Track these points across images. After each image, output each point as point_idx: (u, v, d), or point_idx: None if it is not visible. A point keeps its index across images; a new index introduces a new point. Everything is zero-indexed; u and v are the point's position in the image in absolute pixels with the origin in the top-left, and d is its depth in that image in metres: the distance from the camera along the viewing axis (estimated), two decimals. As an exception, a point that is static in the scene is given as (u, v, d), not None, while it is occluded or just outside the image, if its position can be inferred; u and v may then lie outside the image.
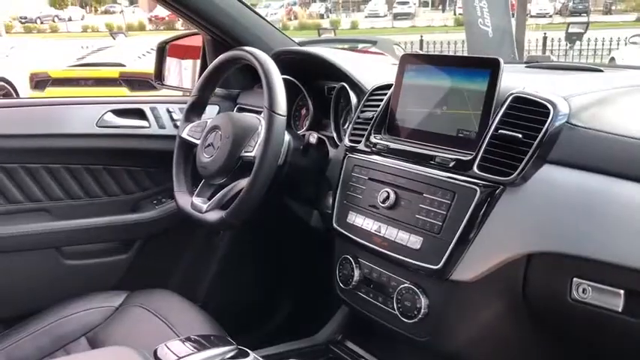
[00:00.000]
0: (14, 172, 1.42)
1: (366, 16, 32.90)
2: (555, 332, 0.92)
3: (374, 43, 7.69)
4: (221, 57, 1.30)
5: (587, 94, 0.96)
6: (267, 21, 1.58)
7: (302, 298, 1.49)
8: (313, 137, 1.25)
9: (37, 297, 1.39)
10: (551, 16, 28.18)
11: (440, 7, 36.48)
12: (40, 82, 6.48)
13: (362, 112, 1.18)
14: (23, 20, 30.97)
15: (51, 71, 6.52)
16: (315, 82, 1.43)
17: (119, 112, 1.53)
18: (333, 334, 1.21)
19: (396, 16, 31.30)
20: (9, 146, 1.41)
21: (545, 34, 11.26)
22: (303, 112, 1.50)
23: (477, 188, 0.91)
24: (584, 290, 0.83)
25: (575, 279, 0.84)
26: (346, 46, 8.45)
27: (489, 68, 0.95)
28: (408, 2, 33.78)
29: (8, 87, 7.71)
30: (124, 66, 6.14)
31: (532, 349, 0.97)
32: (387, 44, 7.79)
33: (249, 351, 0.97)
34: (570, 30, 10.83)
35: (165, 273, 1.59)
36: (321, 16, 33.16)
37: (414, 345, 0.99)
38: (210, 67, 1.32)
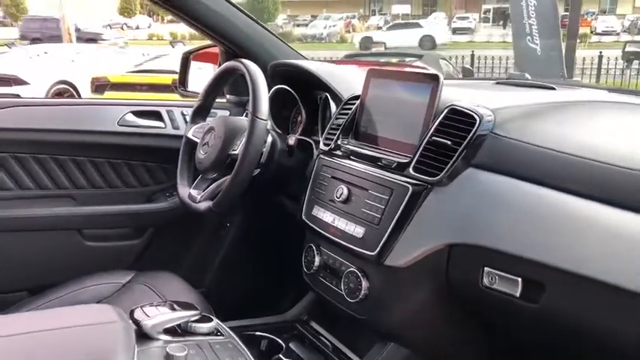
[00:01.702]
0: (45, 161, 1.64)
1: (424, 30, 32.89)
2: (474, 315, 1.04)
3: (420, 57, 7.80)
4: (221, 67, 1.48)
5: (514, 107, 1.08)
6: (273, 34, 1.75)
7: (284, 283, 1.62)
8: (292, 140, 1.41)
9: (59, 271, 1.58)
10: (618, 34, 27.37)
11: (501, 23, 36.03)
12: (99, 86, 6.92)
13: (336, 119, 1.33)
14: (94, 28, 32.56)
15: (110, 76, 6.96)
16: (309, 91, 1.58)
17: (138, 113, 1.74)
18: (300, 314, 1.35)
19: (454, 31, 31.13)
20: (42, 139, 1.63)
21: (600, 52, 11.02)
22: (299, 118, 1.66)
23: (410, 186, 1.04)
24: (492, 278, 0.95)
25: (485, 268, 0.96)
26: (394, 59, 8.60)
27: (431, 83, 1.09)
28: (468, 17, 33.57)
29: (72, 90, 8.24)
30: (177, 73, 6.47)
31: (457, 330, 1.08)
32: (433, 58, 7.89)
33: (212, 317, 1.13)
34: (628, 49, 10.57)
35: (172, 259, 1.77)
36: (380, 29, 33.31)
37: (357, 322, 1.13)
38: (213, 76, 1.50)
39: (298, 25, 34.82)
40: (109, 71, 7.27)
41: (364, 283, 1.09)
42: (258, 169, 1.41)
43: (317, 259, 1.23)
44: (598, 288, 0.81)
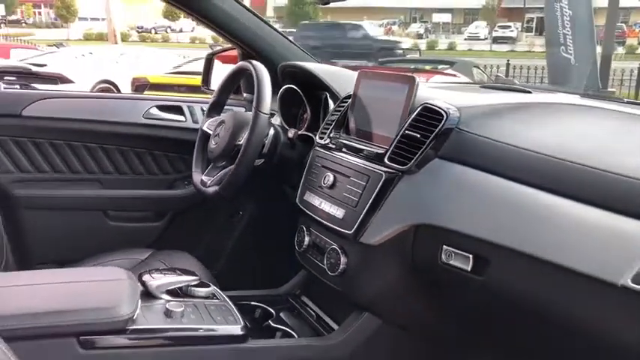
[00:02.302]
0: (77, 148, 1.83)
1: (465, 39, 32.71)
2: (436, 289, 1.17)
3: (451, 64, 7.87)
4: (234, 67, 1.64)
5: (479, 106, 1.21)
6: (286, 37, 1.91)
7: (284, 262, 1.75)
8: (291, 133, 1.57)
9: (85, 247, 1.76)
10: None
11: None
12: (139, 86, 7.23)
13: (331, 115, 1.48)
14: (139, 30, 33.47)
15: (150, 77, 7.26)
16: (314, 90, 1.73)
17: (162, 108, 1.92)
18: (293, 289, 1.50)
19: (495, 40, 30.86)
20: (75, 128, 1.82)
21: (640, 64, 10.86)
22: (305, 115, 1.81)
23: (383, 174, 1.18)
24: (449, 255, 1.08)
25: (444, 246, 1.09)
26: (427, 66, 8.69)
27: (408, 84, 1.23)
28: (510, 26, 33.21)
29: (113, 89, 8.61)
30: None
31: (422, 303, 1.21)
32: (466, 66, 7.96)
33: (210, 284, 1.29)
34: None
35: (189, 241, 1.92)
36: (420, 36, 33.26)
37: (338, 296, 1.27)
38: (226, 75, 1.67)
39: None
40: (149, 72, 7.57)
41: (342, 259, 1.24)
42: (262, 160, 1.57)
43: (307, 239, 1.37)
44: (535, 263, 0.93)
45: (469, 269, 1.04)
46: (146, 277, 1.20)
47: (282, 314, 1.38)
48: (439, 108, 1.16)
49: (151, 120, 1.89)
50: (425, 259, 1.13)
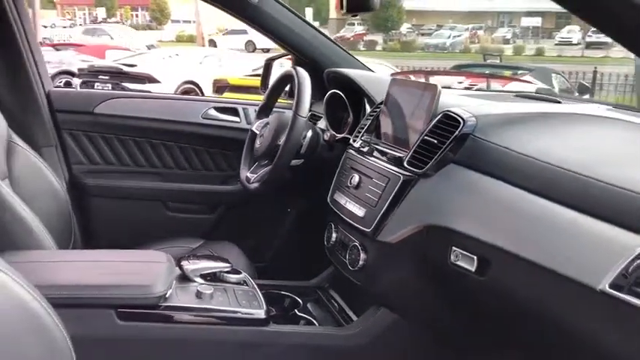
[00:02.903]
0: (142, 144, 2.02)
1: (556, 44, 31.46)
2: (447, 288, 1.23)
3: (530, 70, 7.67)
4: (281, 73, 1.76)
5: (496, 115, 1.25)
6: (336, 44, 2.01)
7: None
8: (327, 136, 1.66)
9: (145, 234, 1.92)
10: None
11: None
12: (220, 87, 7.54)
13: (365, 119, 1.56)
14: (226, 33, 34.59)
15: (230, 79, 7.55)
16: (357, 96, 1.82)
17: (219, 109, 2.07)
18: (322, 283, 1.59)
19: (589, 45, 29.45)
20: (141, 125, 2.00)
21: None
22: (349, 119, 1.89)
23: (401, 176, 1.25)
24: (457, 256, 1.13)
25: (453, 247, 1.14)
26: (506, 72, 8.50)
27: (431, 91, 1.29)
28: (605, 31, 31.54)
29: (196, 89, 9.02)
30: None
31: (434, 301, 1.27)
32: (545, 73, 7.73)
33: (241, 272, 1.41)
34: None
35: (238, 234, 2.05)
36: (507, 42, 32.31)
37: (361, 290, 1.35)
38: (274, 80, 1.79)
39: (422, 34, 34.66)
40: (229, 74, 7.89)
41: (362, 255, 1.32)
42: (302, 160, 1.68)
43: (334, 236, 1.46)
44: (529, 267, 0.98)
45: (473, 270, 1.09)
46: (184, 262, 1.33)
47: (308, 305, 1.48)
48: (457, 115, 1.22)
49: (208, 120, 2.05)
50: (436, 258, 1.18)
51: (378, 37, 31.24)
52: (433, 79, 7.07)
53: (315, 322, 1.39)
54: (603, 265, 0.85)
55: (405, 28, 34.42)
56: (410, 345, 1.31)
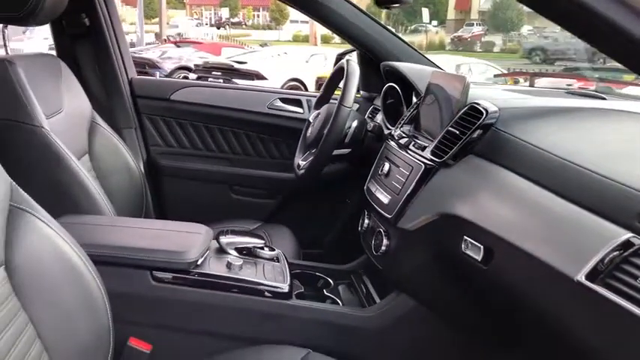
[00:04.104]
0: (212, 130, 2.17)
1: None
2: (458, 276, 1.23)
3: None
4: (336, 66, 1.83)
5: (520, 108, 1.23)
6: (398, 37, 2.04)
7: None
8: (369, 125, 1.71)
9: (210, 213, 2.05)
10: None
11: None
12: (321, 84, 7.71)
13: (408, 111, 1.59)
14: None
15: (331, 76, 7.70)
16: (412, 89, 1.84)
17: (284, 100, 2.18)
18: (357, 267, 1.64)
19: None
20: (212, 113, 2.16)
21: None
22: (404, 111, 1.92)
23: (423, 165, 1.28)
24: (467, 245, 1.14)
25: (464, 236, 1.15)
26: (627, 76, 7.92)
27: (460, 83, 1.30)
28: None
29: (301, 86, 9.28)
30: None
31: (450, 289, 1.28)
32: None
33: (275, 248, 1.50)
34: None
35: (295, 220, 2.14)
36: None
37: (378, 270, 1.40)
38: (330, 73, 1.87)
39: (545, 37, 33.04)
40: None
41: (385, 241, 1.36)
42: (349, 150, 1.74)
43: (366, 222, 1.51)
44: (529, 260, 0.98)
45: (479, 260, 1.10)
46: (221, 236, 1.45)
47: (339, 287, 1.54)
48: (480, 107, 1.22)
49: (274, 110, 2.16)
50: (449, 247, 1.20)
51: (497, 38, 30.21)
52: (539, 82, 6.78)
53: (340, 302, 1.45)
54: (585, 256, 0.84)
55: (525, 29, 33.00)
56: (427, 331, 1.33)
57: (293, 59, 10.19)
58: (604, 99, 1.40)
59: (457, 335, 1.32)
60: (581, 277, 0.83)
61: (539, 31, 34.89)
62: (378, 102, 2.11)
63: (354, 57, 2.20)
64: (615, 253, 0.80)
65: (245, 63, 9.49)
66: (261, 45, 15.24)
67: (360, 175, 1.88)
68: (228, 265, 1.35)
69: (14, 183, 1.06)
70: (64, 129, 1.59)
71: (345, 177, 2.16)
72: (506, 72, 8.21)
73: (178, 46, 11.64)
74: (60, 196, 1.46)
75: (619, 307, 0.76)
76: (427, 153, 1.30)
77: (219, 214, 1.99)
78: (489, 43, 29.31)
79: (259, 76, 8.87)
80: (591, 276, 0.82)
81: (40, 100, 1.52)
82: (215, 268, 1.34)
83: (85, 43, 2.03)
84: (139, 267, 1.28)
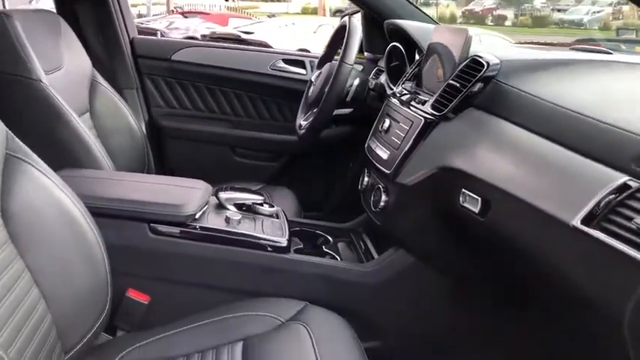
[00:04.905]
0: (214, 91, 2.16)
1: None
2: (456, 230, 1.23)
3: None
4: (337, 25, 1.80)
5: (522, 60, 1.21)
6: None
7: None
8: (372, 83, 1.69)
9: (212, 175, 2.01)
10: None
11: None
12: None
13: (410, 68, 1.57)
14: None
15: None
16: (416, 48, 1.81)
17: (287, 61, 2.16)
18: (357, 226, 1.64)
19: None
20: (213, 73, 2.14)
21: None
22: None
23: (422, 119, 1.26)
24: (465, 198, 1.13)
25: (462, 189, 1.14)
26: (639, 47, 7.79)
27: (462, 37, 1.28)
28: None
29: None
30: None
31: (445, 241, 1.27)
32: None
33: (274, 205, 1.49)
34: None
35: (297, 182, 2.13)
36: (654, 18, 29.37)
37: (377, 228, 1.39)
38: (332, 32, 1.84)
39: (559, 10, 32.48)
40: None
41: (384, 197, 1.35)
42: (350, 109, 1.72)
43: (366, 179, 1.50)
44: (525, 208, 0.97)
45: (477, 212, 1.09)
46: (220, 192, 1.44)
47: (338, 244, 1.54)
48: (483, 60, 1.20)
49: (276, 71, 2.14)
50: (447, 201, 1.19)
51: (509, 12, 29.74)
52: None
53: (338, 258, 1.45)
54: (581, 201, 0.83)
55: (539, 2, 32.45)
56: (425, 286, 1.33)
57: (300, 30, 10.08)
58: (610, 54, 1.37)
59: (455, 289, 1.32)
60: (576, 221, 0.82)
61: (553, 3, 34.32)
62: (382, 63, 2.09)
63: (358, 18, 2.17)
64: (611, 197, 0.79)
65: (252, 33, 9.41)
66: (268, 16, 15.10)
67: (362, 140, 1.87)
68: (227, 220, 1.35)
69: (10, 132, 1.06)
70: (64, 86, 1.59)
71: (347, 141, 2.15)
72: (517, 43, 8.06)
73: (186, 17, 11.56)
74: (59, 151, 1.45)
75: (614, 250, 0.75)
76: (427, 107, 1.28)
77: (221, 176, 1.98)
78: (502, 17, 28.87)
79: (266, 47, 8.81)
80: (587, 221, 0.81)
81: (39, 55, 1.51)
82: (213, 222, 1.34)
83: (86, 3, 2.01)
84: (137, 219, 1.28)
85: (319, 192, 2.16)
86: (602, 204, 0.79)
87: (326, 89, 1.66)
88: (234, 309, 1.23)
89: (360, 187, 1.54)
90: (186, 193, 1.35)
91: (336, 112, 1.67)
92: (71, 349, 1.06)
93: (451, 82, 1.24)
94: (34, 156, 1.08)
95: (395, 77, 1.84)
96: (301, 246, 1.46)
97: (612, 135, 0.85)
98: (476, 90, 1.19)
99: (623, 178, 0.79)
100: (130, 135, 1.89)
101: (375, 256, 1.42)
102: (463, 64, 1.25)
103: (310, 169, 2.20)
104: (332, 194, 2.18)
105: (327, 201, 2.17)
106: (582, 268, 0.84)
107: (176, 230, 1.30)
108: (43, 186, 1.07)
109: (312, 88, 1.79)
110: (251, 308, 1.22)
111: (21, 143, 1.08)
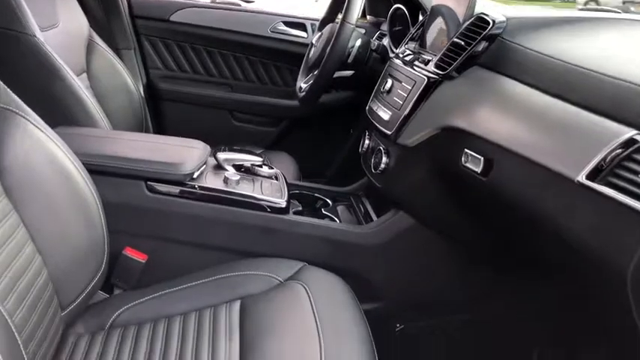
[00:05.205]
0: (213, 54, 2.12)
1: None
2: (457, 190, 1.21)
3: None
4: None
5: (527, 18, 1.18)
6: None
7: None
8: (373, 45, 1.65)
9: (210, 139, 2.01)
10: None
11: None
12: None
13: (413, 28, 1.53)
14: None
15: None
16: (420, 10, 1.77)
17: (287, 24, 2.11)
18: (356, 190, 1.62)
19: None
20: (212, 35, 2.10)
21: None
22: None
23: (426, 78, 1.24)
24: (468, 158, 1.11)
25: (465, 149, 1.12)
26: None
27: (467, -3, 1.24)
28: None
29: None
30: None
31: (446, 204, 1.26)
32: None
33: (274, 167, 1.48)
34: None
35: (297, 148, 2.11)
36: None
37: (377, 191, 1.38)
38: None
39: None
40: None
41: (384, 159, 1.33)
42: (352, 72, 1.69)
43: (367, 142, 1.48)
44: (528, 166, 0.95)
45: (479, 171, 1.07)
46: (219, 153, 1.43)
47: (338, 207, 1.52)
48: (488, 17, 1.17)
49: (276, 34, 2.10)
50: (449, 161, 1.17)
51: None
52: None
53: (337, 220, 1.43)
54: (586, 156, 0.81)
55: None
56: (423, 249, 1.32)
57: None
58: (618, 12, 1.34)
59: (454, 252, 1.31)
60: (582, 177, 0.80)
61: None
62: (385, 27, 2.05)
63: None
64: (618, 151, 0.77)
65: (252, 2, 9.26)
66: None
67: (363, 105, 1.84)
68: (225, 180, 1.33)
69: (3, 84, 1.03)
70: (60, 44, 1.55)
71: (348, 107, 2.12)
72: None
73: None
74: (55, 108, 1.43)
75: (621, 204, 0.74)
76: (431, 66, 1.25)
77: (219, 140, 1.97)
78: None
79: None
80: (592, 176, 0.79)
81: (34, 11, 1.47)
82: (212, 182, 1.32)
83: (81, -40, 1.96)
84: (134, 177, 1.26)
85: (319, 158, 2.14)
86: (608, 159, 0.78)
87: (327, 50, 1.62)
88: (232, 268, 1.22)
89: (360, 150, 1.52)
90: (184, 152, 1.33)
91: (337, 74, 1.64)
92: (68, 306, 1.06)
93: (456, 40, 1.21)
94: (29, 110, 1.06)
95: (398, 41, 1.81)
96: (300, 208, 1.44)
97: (619, 89, 0.83)
98: (481, 49, 1.16)
99: (630, 133, 0.77)
100: (128, 97, 1.86)
101: (375, 218, 1.41)
102: (468, 22, 1.22)
103: (310, 136, 2.18)
104: (332, 161, 2.16)
105: (326, 167, 2.15)
106: (587, 224, 0.83)
107: (173, 189, 1.28)
108: (37, 140, 1.05)
109: (312, 49, 1.75)
110: (249, 268, 1.22)
111: (14, 96, 1.06)
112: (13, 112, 1.03)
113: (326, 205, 1.53)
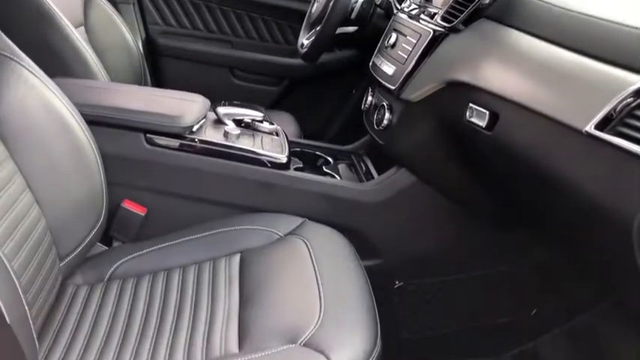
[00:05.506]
0: (213, 10, 2.07)
1: None
2: (461, 146, 1.19)
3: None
4: None
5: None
6: None
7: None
8: (377, 0, 1.61)
9: (210, 97, 2.02)
10: None
11: None
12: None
13: (419, -16, 1.49)
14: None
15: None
16: None
17: None
18: (358, 149, 1.60)
19: None
20: None
21: None
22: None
23: (431, 31, 1.21)
24: (472, 112, 1.09)
25: (470, 103, 1.10)
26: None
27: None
28: None
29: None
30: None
31: (449, 159, 1.25)
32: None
33: (274, 124, 1.45)
34: None
35: (298, 108, 2.08)
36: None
37: (379, 148, 1.36)
38: None
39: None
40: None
41: (387, 115, 1.31)
42: (355, 28, 1.65)
43: (369, 99, 1.46)
44: (535, 118, 0.93)
45: (484, 126, 1.05)
46: (219, 107, 1.40)
47: (339, 164, 1.51)
48: (497, -33, 1.14)
49: None
50: (453, 116, 1.15)
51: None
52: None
53: (338, 178, 1.42)
54: (595, 106, 0.79)
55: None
56: (424, 206, 1.31)
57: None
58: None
59: (455, 211, 1.29)
60: (590, 127, 0.78)
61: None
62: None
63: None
64: (629, 100, 0.75)
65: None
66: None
67: (365, 65, 1.81)
68: (225, 135, 1.31)
69: None
70: None
71: (350, 67, 2.09)
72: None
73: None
74: (52, 60, 1.39)
75: (630, 153, 0.72)
76: (437, 19, 1.22)
77: (219, 98, 1.93)
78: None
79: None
80: (601, 126, 0.77)
81: None
82: (211, 136, 1.30)
83: None
84: (132, 129, 1.24)
85: (320, 118, 2.12)
86: (618, 108, 0.76)
87: (330, 4, 1.58)
88: (232, 223, 1.21)
89: (363, 107, 1.49)
90: (184, 105, 1.31)
91: (340, 30, 1.60)
92: (67, 256, 1.05)
93: (463, -8, 1.18)
94: (24, 56, 1.03)
95: (402, -1, 1.77)
96: (301, 165, 1.43)
97: (630, 36, 0.81)
98: (488, 1, 1.13)
99: None
100: (127, 52, 1.82)
101: (376, 176, 1.39)
102: (476, -26, 1.18)
103: (312, 96, 2.15)
104: (333, 121, 2.13)
105: (328, 128, 2.13)
106: (594, 175, 0.81)
107: (173, 142, 1.26)
108: (34, 87, 1.03)
109: (315, 5, 1.71)
110: (249, 222, 1.21)
111: (9, 42, 1.03)
112: (7, 58, 1.01)
113: (327, 162, 1.51)
